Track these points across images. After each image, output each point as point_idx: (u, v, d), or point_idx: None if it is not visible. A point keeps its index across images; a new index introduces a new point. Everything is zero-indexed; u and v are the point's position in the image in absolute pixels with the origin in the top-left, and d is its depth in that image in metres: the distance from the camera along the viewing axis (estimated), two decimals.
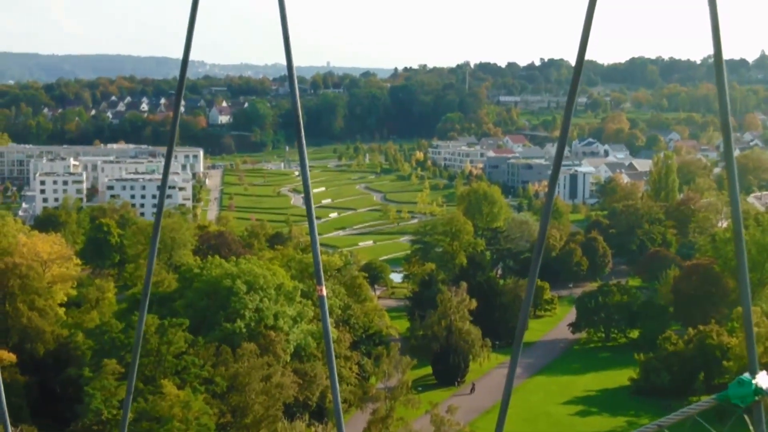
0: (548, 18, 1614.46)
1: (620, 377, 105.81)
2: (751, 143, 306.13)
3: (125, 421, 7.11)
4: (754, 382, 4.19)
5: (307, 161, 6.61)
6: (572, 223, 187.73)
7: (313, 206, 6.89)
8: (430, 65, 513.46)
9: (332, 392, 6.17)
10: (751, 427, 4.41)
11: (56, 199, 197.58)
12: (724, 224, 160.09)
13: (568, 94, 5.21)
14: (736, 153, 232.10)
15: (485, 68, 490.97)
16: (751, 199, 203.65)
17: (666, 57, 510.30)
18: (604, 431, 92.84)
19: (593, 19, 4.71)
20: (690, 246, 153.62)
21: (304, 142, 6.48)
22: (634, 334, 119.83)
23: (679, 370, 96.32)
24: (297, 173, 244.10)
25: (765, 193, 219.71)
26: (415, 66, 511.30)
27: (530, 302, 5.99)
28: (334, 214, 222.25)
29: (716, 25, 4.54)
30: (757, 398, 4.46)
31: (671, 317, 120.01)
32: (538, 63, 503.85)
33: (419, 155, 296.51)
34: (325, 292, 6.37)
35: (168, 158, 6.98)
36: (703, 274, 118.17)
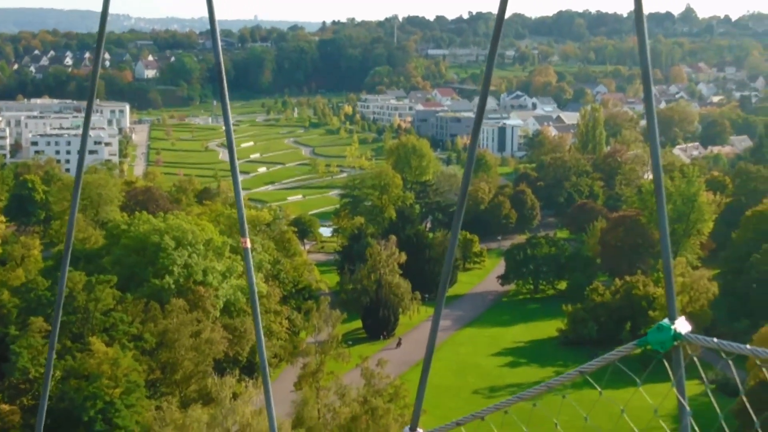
0: None
1: (548, 328, 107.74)
2: (677, 96, 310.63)
3: (48, 378, 7.08)
4: (672, 327, 4.38)
5: (230, 114, 6.49)
6: (501, 176, 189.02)
7: (236, 157, 6.68)
8: (359, 19, 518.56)
9: (257, 345, 6.23)
10: (670, 372, 4.59)
11: None
12: (650, 176, 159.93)
13: (489, 46, 5.20)
14: (662, 105, 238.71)
15: (413, 22, 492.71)
16: (676, 151, 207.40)
17: (593, 10, 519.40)
18: (532, 382, 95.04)
19: None
20: (617, 198, 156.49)
21: (227, 95, 6.33)
22: (562, 285, 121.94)
23: (607, 321, 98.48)
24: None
25: (690, 144, 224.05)
26: (343, 20, 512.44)
27: (453, 254, 6.09)
28: (262, 169, 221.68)
29: None
30: (675, 343, 4.54)
31: (598, 268, 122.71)
32: (466, 16, 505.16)
33: (348, 109, 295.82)
34: (249, 245, 6.37)
35: (88, 112, 6.89)
36: (630, 225, 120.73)
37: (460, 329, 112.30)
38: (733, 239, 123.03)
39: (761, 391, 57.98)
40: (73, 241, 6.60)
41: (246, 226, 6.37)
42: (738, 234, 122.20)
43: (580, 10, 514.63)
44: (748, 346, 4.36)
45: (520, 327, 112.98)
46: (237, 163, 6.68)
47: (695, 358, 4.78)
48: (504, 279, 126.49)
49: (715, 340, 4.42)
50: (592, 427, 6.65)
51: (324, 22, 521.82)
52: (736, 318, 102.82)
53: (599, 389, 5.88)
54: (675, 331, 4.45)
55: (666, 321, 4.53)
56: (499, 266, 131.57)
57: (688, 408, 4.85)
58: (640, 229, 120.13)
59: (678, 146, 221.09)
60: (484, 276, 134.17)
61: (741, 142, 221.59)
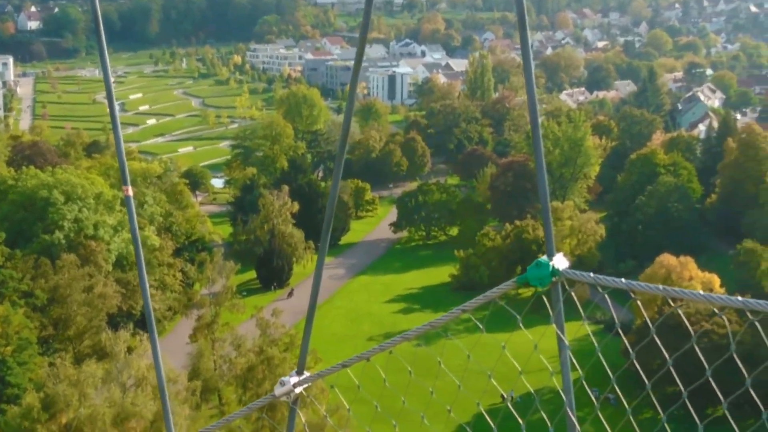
0: None
1: (441, 274, 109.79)
2: (563, 41, 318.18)
3: None
4: (551, 263, 4.66)
5: (108, 62, 6.32)
6: (391, 123, 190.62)
7: (115, 104, 6.67)
8: None
9: (143, 296, 6.18)
10: (549, 308, 4.87)
11: None
12: None
13: None
14: (549, 51, 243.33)
15: None
16: (563, 96, 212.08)
17: None
18: None
19: None
20: (506, 143, 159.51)
21: (104, 43, 6.22)
22: (454, 231, 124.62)
23: (498, 265, 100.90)
24: (113, 79, 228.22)
25: (576, 90, 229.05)
26: None
27: (334, 202, 5.97)
28: (152, 121, 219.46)
29: None
30: (553, 279, 4.63)
31: (489, 214, 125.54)
32: None
33: (237, 59, 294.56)
34: (131, 193, 6.22)
35: None
36: (518, 170, 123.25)
37: (353, 277, 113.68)
38: (618, 182, 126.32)
39: (646, 330, 59.82)
40: None
41: (128, 174, 6.25)
42: (623, 177, 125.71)
43: None
44: (623, 280, 4.46)
45: (413, 273, 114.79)
46: (117, 109, 6.52)
47: (572, 293, 4.78)
48: (396, 226, 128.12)
49: (592, 275, 4.56)
50: (474, 363, 6.41)
51: None
52: (622, 259, 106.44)
53: (481, 327, 6.10)
54: (553, 267, 4.52)
55: (544, 258, 4.61)
56: (391, 214, 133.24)
57: (566, 342, 5.01)
58: (529, 174, 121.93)
59: (564, 91, 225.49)
60: (377, 224, 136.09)
61: (625, 87, 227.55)
